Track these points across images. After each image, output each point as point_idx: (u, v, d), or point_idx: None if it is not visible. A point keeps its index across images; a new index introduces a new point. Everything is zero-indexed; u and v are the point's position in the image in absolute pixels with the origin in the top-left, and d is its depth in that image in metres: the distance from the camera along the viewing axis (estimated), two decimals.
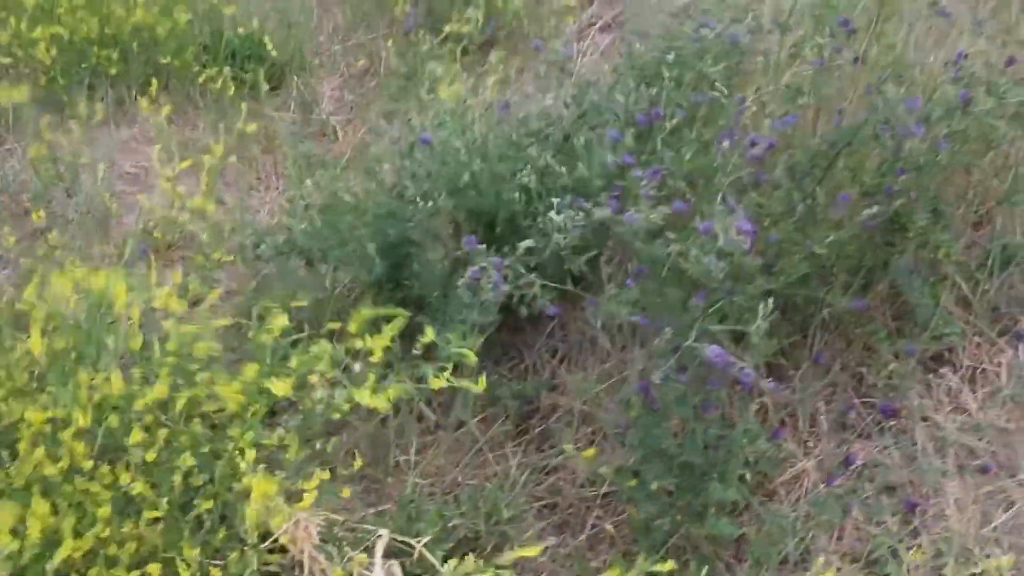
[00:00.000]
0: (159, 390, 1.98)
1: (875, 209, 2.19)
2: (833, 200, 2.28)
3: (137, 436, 1.93)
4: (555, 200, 1.95)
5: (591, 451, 2.36)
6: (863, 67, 2.89)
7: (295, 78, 4.22)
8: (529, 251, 2.04)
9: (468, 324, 2.15)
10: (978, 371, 2.53)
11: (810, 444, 2.46)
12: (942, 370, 2.54)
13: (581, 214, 1.95)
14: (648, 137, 2.42)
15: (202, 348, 2.10)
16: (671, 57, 2.54)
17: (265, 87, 3.97)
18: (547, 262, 2.13)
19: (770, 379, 2.22)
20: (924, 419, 2.45)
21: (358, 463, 2.29)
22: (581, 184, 2.34)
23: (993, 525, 2.23)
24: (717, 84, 2.47)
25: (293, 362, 2.10)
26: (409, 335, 2.16)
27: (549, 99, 2.71)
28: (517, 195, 2.38)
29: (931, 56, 3.03)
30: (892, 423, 2.46)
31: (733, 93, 2.64)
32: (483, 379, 2.11)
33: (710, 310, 1.98)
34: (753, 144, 2.16)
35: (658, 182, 1.98)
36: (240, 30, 4.22)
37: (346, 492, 2.20)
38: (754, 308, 1.96)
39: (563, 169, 2.27)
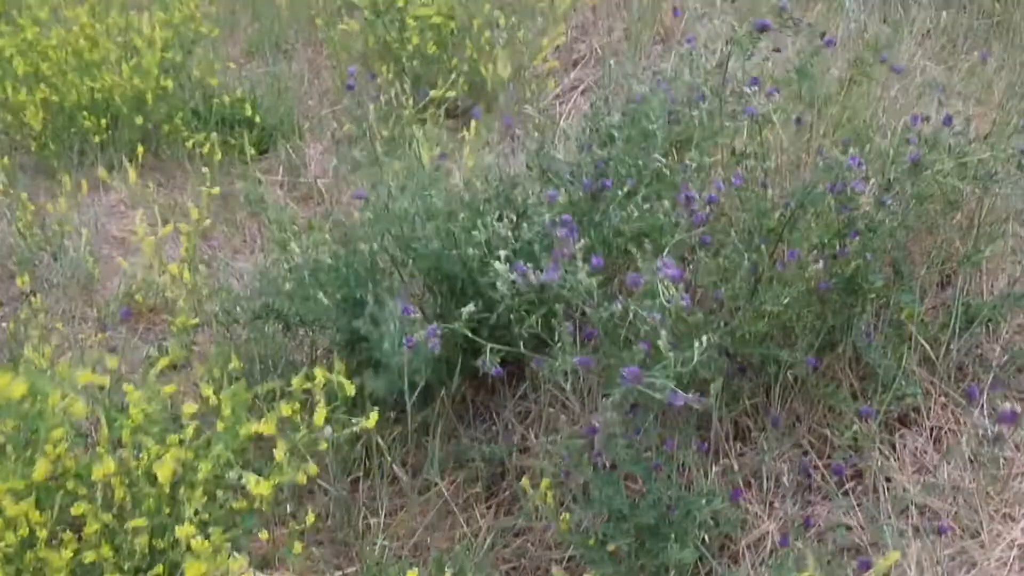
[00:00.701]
0: (107, 465, 2.02)
1: (820, 264, 2.23)
2: (781, 261, 2.33)
3: (79, 509, 1.97)
4: (497, 265, 1.99)
5: (565, 516, 2.39)
6: (827, 129, 2.95)
7: (284, 142, 4.30)
8: (472, 316, 2.08)
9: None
10: (942, 431, 2.55)
11: (775, 505, 2.48)
12: (906, 431, 2.56)
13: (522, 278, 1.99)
14: (601, 199, 2.48)
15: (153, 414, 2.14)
16: (618, 120, 2.61)
17: (252, 152, 4.06)
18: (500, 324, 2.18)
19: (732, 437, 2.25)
20: (888, 479, 2.47)
21: (310, 518, 2.32)
22: (526, 247, 2.40)
23: None
24: (666, 150, 2.52)
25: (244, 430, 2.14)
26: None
27: (517, 163, 2.78)
28: (470, 257, 2.43)
29: (900, 119, 3.08)
30: (855, 484, 2.48)
31: (703, 156, 2.70)
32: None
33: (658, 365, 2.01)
34: (688, 200, 2.20)
35: (589, 243, 2.02)
36: (226, 98, 4.30)
37: (297, 548, 2.22)
38: (706, 363, 2.00)
39: (509, 233, 2.31)
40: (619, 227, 2.36)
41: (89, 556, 1.96)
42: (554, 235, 1.94)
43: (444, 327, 2.07)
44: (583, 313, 2.14)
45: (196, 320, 2.88)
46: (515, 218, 2.52)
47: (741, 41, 2.58)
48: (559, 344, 2.05)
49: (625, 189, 2.44)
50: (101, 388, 2.60)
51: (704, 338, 1.85)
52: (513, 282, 1.95)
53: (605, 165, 2.58)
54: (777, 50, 2.98)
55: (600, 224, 2.48)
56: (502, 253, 2.04)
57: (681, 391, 1.83)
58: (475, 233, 2.36)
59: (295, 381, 2.24)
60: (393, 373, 2.47)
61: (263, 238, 3.81)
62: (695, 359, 1.83)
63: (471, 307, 2.07)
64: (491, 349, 2.05)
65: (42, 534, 1.95)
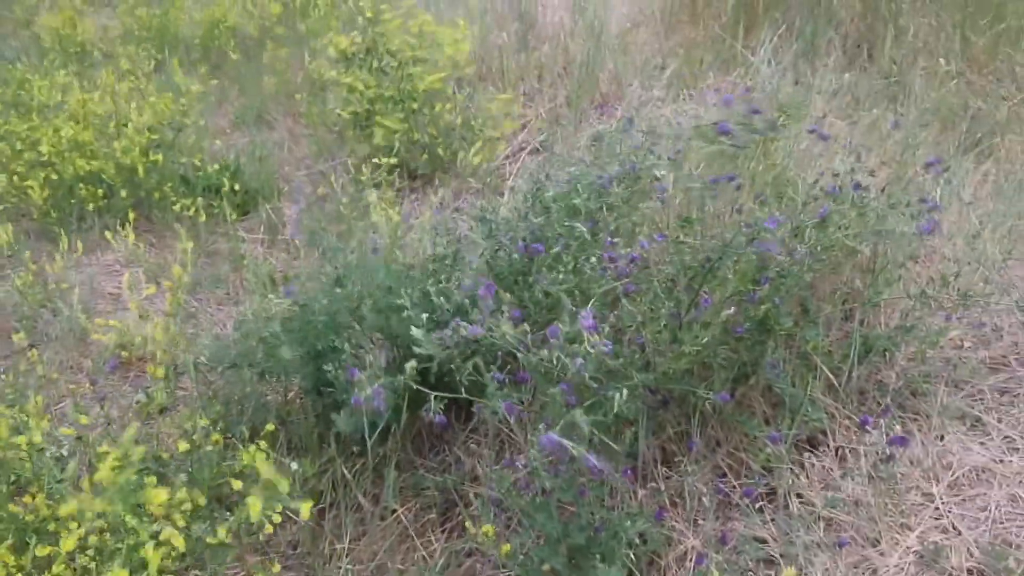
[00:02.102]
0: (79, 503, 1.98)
1: (731, 310, 2.23)
2: (697, 306, 2.32)
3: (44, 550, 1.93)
4: (414, 331, 2.00)
5: (505, 546, 2.36)
6: (748, 185, 2.96)
7: (265, 203, 4.29)
8: (415, 368, 2.07)
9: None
10: (846, 451, 2.54)
11: (698, 522, 2.46)
12: (814, 451, 2.55)
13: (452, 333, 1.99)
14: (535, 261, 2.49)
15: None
16: (551, 194, 2.62)
17: (233, 215, 4.05)
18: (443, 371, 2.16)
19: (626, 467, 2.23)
20: (798, 496, 2.45)
21: (276, 567, 2.28)
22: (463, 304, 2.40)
23: None
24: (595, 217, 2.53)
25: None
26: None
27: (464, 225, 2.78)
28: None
29: (807, 172, 3.09)
30: (768, 502, 2.46)
31: (627, 220, 2.71)
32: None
33: (584, 404, 2.00)
34: (612, 260, 2.20)
35: (516, 299, 2.01)
36: (210, 168, 4.30)
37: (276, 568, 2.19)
38: (631, 403, 1.99)
39: (441, 299, 2.29)
40: (548, 286, 2.35)
41: None
42: (476, 295, 1.94)
43: (390, 380, 2.05)
44: (514, 359, 2.13)
45: (172, 370, 2.84)
46: (446, 281, 2.51)
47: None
48: (494, 386, 2.03)
49: (555, 251, 2.44)
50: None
51: (623, 391, 1.85)
52: (440, 339, 1.95)
53: (540, 231, 2.58)
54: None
55: (532, 284, 2.48)
56: (424, 317, 2.05)
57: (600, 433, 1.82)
58: (402, 302, 2.35)
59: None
60: (357, 414, 2.44)
61: (244, 290, 3.79)
62: (615, 409, 1.83)
63: (413, 362, 2.05)
64: (435, 398, 2.04)
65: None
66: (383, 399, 2.00)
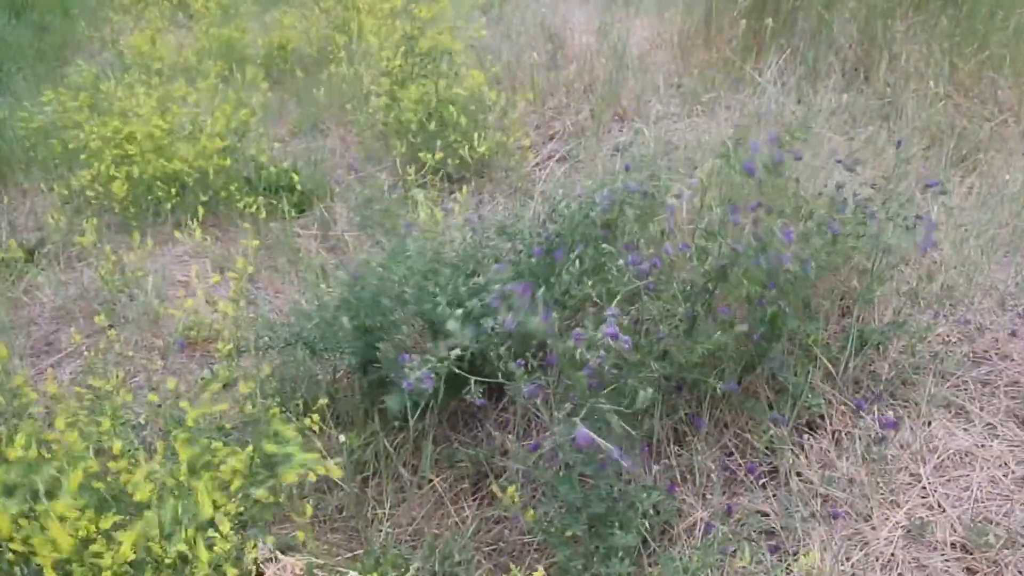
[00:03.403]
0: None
1: (745, 326, 2.19)
2: (712, 311, 2.29)
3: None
4: (450, 324, 1.98)
5: (531, 511, 2.34)
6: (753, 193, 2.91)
7: (319, 202, 4.28)
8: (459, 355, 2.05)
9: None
10: (842, 434, 2.50)
11: (706, 496, 2.43)
12: (812, 434, 2.51)
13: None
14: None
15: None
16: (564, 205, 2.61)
17: (292, 212, 4.04)
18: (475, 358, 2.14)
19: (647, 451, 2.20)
20: (798, 474, 2.42)
21: (308, 509, 2.26)
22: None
23: (851, 562, 2.19)
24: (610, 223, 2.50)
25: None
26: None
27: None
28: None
29: (813, 180, 3.05)
30: (770, 479, 2.43)
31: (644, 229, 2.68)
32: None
33: (606, 391, 1.98)
34: (635, 263, 2.17)
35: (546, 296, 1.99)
36: (273, 169, 4.30)
37: (300, 535, 2.18)
38: (644, 389, 1.96)
39: (475, 300, 2.27)
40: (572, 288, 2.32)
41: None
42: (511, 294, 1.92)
43: (434, 366, 2.03)
44: (543, 347, 2.11)
45: (234, 347, 2.83)
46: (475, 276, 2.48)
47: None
48: (521, 373, 2.01)
49: (574, 254, 2.41)
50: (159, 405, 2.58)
51: (649, 391, 1.83)
52: (476, 332, 1.94)
53: (557, 239, 2.56)
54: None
55: (552, 285, 2.45)
56: (459, 311, 2.03)
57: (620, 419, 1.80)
58: (435, 292, 2.33)
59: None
60: (402, 395, 2.42)
61: (299, 280, 3.78)
62: (638, 404, 1.81)
63: (457, 350, 2.02)
64: (475, 381, 2.02)
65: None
66: (431, 382, 1.98)
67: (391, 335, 2.37)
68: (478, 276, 2.42)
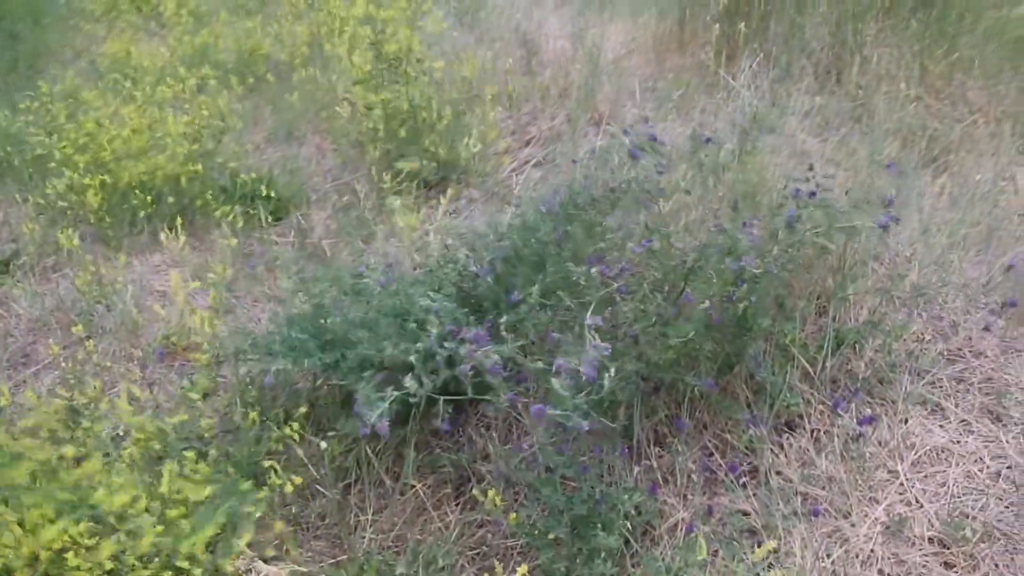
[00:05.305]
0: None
1: (706, 303, 2.21)
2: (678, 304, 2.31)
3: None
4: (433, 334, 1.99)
5: (513, 514, 2.34)
6: (726, 192, 2.95)
7: (295, 210, 4.27)
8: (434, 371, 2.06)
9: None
10: (820, 432, 2.53)
11: (687, 497, 2.44)
12: (791, 433, 2.54)
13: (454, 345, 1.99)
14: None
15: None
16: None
17: (268, 219, 4.03)
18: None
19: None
20: (777, 473, 2.44)
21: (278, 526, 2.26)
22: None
23: (832, 559, 2.21)
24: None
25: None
26: None
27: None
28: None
29: (777, 180, 3.07)
30: (750, 478, 2.45)
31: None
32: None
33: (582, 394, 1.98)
34: (600, 269, 2.18)
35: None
36: (248, 176, 4.28)
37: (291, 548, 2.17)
38: (623, 389, 1.97)
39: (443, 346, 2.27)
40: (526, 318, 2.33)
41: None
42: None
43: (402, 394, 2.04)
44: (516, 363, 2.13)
45: (214, 358, 2.82)
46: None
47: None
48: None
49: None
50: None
51: (612, 370, 1.83)
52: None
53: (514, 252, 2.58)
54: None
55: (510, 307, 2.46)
56: (413, 358, 2.05)
57: (598, 415, 1.80)
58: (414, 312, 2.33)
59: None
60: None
61: (276, 288, 3.77)
62: (606, 387, 1.81)
63: (422, 390, 2.03)
64: (443, 401, 2.03)
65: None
66: (386, 428, 1.99)
67: (354, 368, 2.37)
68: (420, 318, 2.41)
